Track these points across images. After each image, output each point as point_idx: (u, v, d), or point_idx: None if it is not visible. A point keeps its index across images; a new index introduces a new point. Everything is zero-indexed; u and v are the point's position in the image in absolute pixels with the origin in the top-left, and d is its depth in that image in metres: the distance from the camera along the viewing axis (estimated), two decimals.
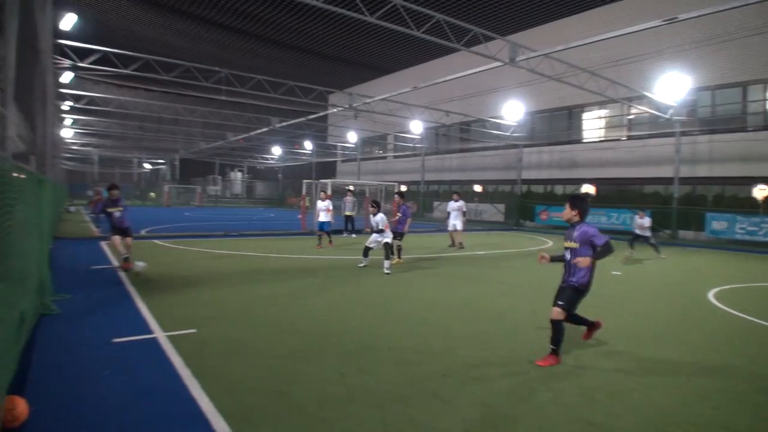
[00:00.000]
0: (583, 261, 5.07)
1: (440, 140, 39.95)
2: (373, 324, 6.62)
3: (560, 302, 5.23)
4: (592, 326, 5.70)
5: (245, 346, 5.48)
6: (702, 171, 23.60)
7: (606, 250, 5.08)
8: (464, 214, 17.02)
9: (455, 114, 30.06)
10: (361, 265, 11.62)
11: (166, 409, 3.89)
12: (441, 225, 28.41)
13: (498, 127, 31.42)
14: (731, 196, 22.16)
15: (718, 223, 20.97)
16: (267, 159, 60.99)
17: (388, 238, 11.34)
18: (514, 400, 4.23)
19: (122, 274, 9.71)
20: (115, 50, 18.35)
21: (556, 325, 5.19)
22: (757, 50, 21.31)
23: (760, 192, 21.71)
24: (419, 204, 37.26)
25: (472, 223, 19.98)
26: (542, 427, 3.73)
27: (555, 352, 5.21)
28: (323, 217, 15.78)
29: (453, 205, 16.93)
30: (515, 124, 30.50)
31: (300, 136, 46.66)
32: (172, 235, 17.77)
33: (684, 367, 5.22)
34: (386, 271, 10.92)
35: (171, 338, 5.62)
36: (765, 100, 22.07)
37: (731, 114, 23.26)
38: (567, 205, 5.40)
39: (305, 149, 51.00)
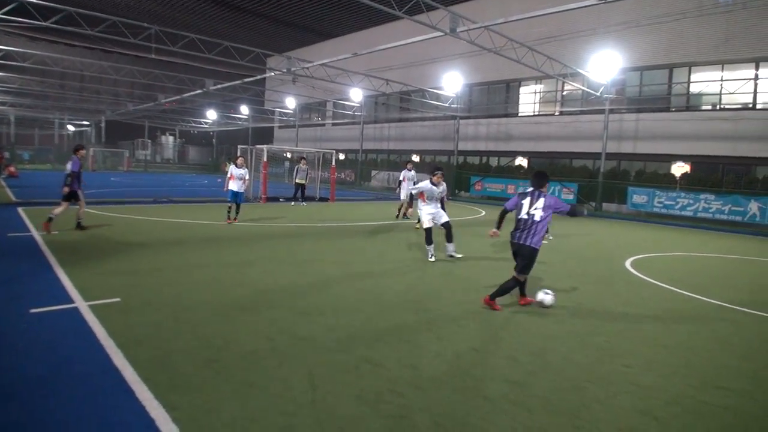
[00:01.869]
0: None
1: (380, 109, 39.75)
2: (299, 291, 6.62)
3: None
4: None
5: (171, 315, 5.35)
6: (627, 147, 24.79)
7: None
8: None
9: (395, 83, 29.95)
10: (432, 258, 9.09)
11: (88, 380, 3.76)
12: (378, 194, 28.61)
13: (437, 97, 31.60)
14: (652, 172, 23.43)
15: (638, 197, 22.19)
16: (201, 123, 58.71)
17: (444, 216, 9.42)
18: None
19: (41, 242, 9.19)
20: (33, 0, 16.94)
21: None
22: (684, 34, 22.34)
23: (678, 169, 23.14)
24: (356, 172, 37.19)
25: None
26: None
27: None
28: (235, 186, 13.59)
29: (408, 175, 15.70)
30: (454, 95, 30.77)
31: (236, 100, 45.08)
32: (97, 201, 16.87)
33: (600, 329, 5.58)
34: (456, 255, 9.43)
35: (93, 308, 5.40)
36: (689, 82, 23.28)
37: (657, 94, 24.44)
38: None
39: (241, 114, 49.40)
